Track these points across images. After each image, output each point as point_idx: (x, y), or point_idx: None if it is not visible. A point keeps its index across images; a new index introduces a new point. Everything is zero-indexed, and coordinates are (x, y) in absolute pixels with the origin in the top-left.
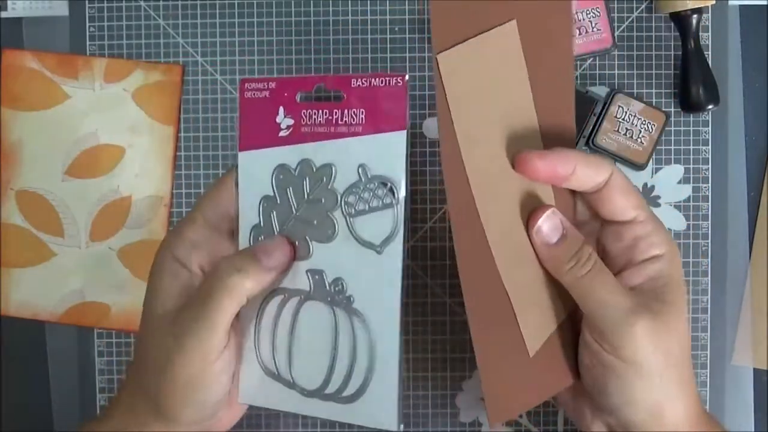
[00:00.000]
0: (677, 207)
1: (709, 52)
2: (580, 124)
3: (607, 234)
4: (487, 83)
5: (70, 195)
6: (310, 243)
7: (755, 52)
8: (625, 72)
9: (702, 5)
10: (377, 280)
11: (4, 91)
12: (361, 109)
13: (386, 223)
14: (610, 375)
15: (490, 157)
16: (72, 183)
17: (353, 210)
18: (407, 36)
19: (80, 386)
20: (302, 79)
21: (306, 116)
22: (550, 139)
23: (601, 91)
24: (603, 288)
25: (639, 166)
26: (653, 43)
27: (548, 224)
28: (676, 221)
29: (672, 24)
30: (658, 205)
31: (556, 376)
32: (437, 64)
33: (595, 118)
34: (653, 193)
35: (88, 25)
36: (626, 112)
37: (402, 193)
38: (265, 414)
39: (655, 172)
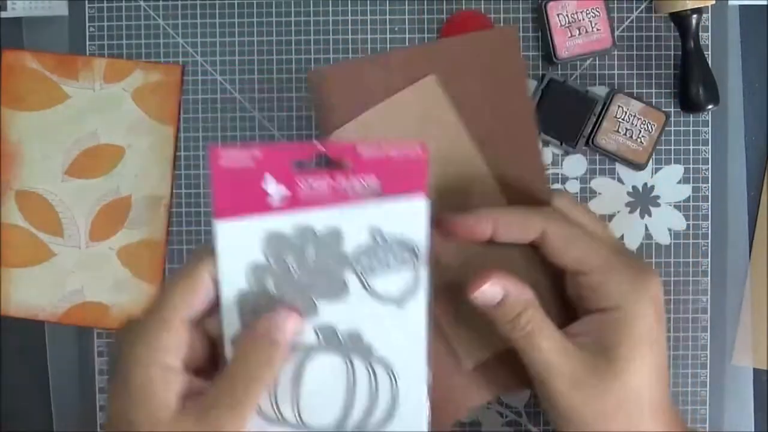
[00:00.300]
0: (677, 207)
1: (709, 52)
2: (580, 124)
3: (566, 280)
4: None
5: (70, 195)
6: (316, 302)
7: (755, 52)
8: (625, 72)
9: (702, 5)
10: (399, 333)
11: (4, 91)
12: (373, 175)
13: (406, 278)
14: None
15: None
16: (72, 183)
17: (368, 270)
18: (407, 36)
19: (80, 386)
20: (295, 146)
21: (304, 185)
22: (514, 185)
23: (601, 91)
24: (541, 350)
25: (639, 166)
26: (653, 43)
27: (487, 292)
28: (676, 221)
29: (672, 24)
30: (658, 205)
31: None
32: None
33: (595, 118)
34: (653, 193)
35: (87, 25)
36: (626, 112)
37: (425, 256)
38: None
39: (655, 172)
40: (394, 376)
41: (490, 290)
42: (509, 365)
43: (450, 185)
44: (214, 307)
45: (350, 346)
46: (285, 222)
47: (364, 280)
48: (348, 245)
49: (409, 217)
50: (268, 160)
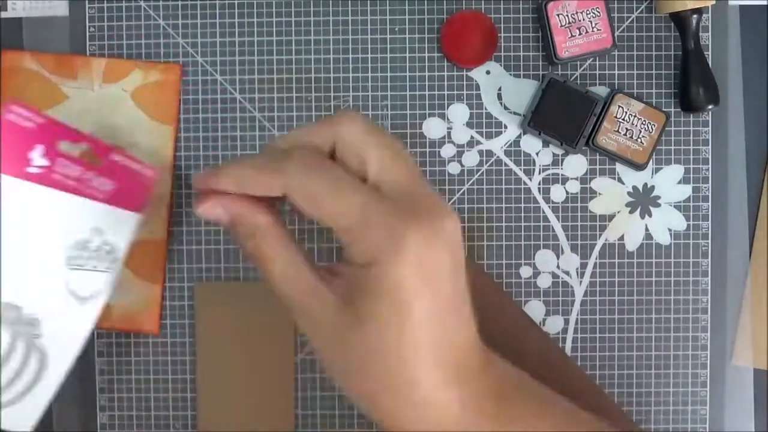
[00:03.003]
0: (677, 207)
1: (709, 52)
2: (581, 124)
3: None
4: None
5: None
6: (14, 278)
7: (755, 52)
8: (625, 72)
9: (702, 5)
10: (70, 329)
11: (3, 92)
12: (112, 181)
13: (101, 281)
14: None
15: None
16: None
17: (76, 264)
18: (407, 36)
19: (80, 386)
20: (71, 130)
21: (61, 165)
22: None
23: (601, 91)
24: (273, 276)
25: (639, 166)
26: (653, 43)
27: (208, 211)
28: (676, 221)
29: (672, 24)
30: (658, 205)
31: None
32: None
33: (595, 118)
34: (653, 193)
35: (88, 25)
36: (626, 112)
37: (120, 265)
38: None
39: (655, 172)
40: (44, 366)
41: (211, 209)
42: None
43: None
44: None
45: (22, 329)
46: (29, 191)
47: (67, 272)
48: (66, 233)
49: (123, 227)
50: (45, 131)
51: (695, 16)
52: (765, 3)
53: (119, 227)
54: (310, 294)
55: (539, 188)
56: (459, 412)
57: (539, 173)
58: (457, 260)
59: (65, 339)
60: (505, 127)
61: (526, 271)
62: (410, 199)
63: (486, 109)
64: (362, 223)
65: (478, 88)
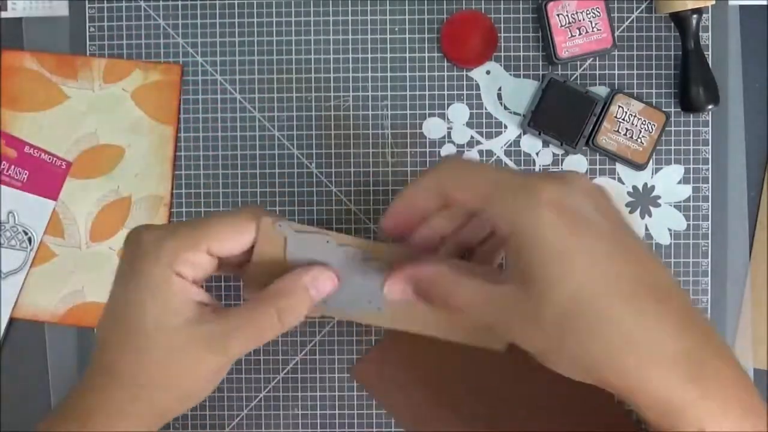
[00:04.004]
0: (677, 207)
1: (709, 52)
2: (581, 124)
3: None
4: None
5: (70, 195)
6: None
7: (755, 52)
8: (625, 72)
9: (702, 5)
10: None
11: (3, 92)
12: (26, 171)
13: (19, 259)
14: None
15: None
16: (72, 183)
17: None
18: (407, 36)
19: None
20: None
21: None
22: None
23: (601, 91)
24: (465, 301)
25: (639, 166)
26: (653, 43)
27: (395, 292)
28: (676, 221)
29: (672, 24)
30: (658, 205)
31: None
32: None
33: (595, 118)
34: (653, 193)
35: (88, 25)
36: (626, 112)
37: (36, 245)
38: (264, 414)
39: (655, 172)
40: None
41: (396, 289)
42: None
43: None
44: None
45: None
46: None
47: None
48: None
49: (37, 212)
50: None
51: (695, 16)
52: (765, 3)
53: (36, 212)
54: (480, 298)
55: None
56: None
57: None
58: (601, 205)
59: None
60: (505, 127)
61: None
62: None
63: (486, 109)
64: (490, 200)
65: (478, 88)
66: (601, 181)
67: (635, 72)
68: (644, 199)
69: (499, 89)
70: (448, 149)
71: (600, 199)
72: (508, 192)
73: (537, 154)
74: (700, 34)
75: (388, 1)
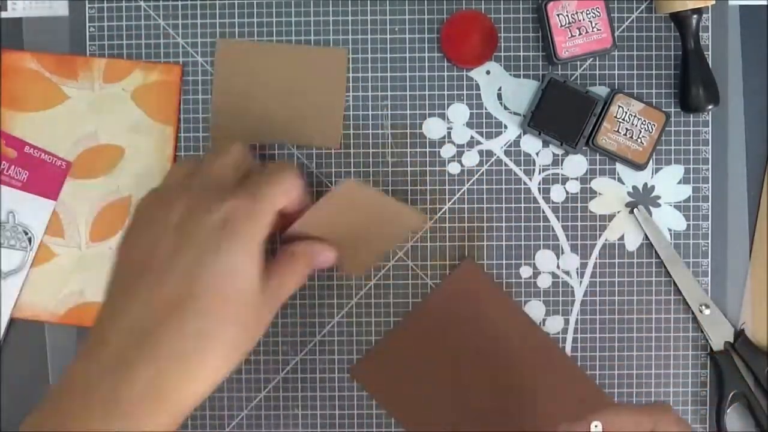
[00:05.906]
0: (677, 207)
1: (709, 52)
2: (581, 124)
3: None
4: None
5: (70, 195)
6: None
7: (755, 52)
8: (625, 72)
9: (702, 5)
10: None
11: (3, 92)
12: (26, 171)
13: (18, 259)
14: None
15: None
16: (72, 183)
17: None
18: (407, 36)
19: None
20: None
21: None
22: None
23: (601, 91)
24: None
25: (639, 166)
26: (653, 43)
27: None
28: (676, 221)
29: (672, 24)
30: (658, 205)
31: None
32: None
33: (595, 118)
34: (653, 193)
35: (88, 25)
36: (626, 112)
37: (36, 245)
38: (264, 414)
39: (655, 172)
40: None
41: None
42: None
43: None
44: None
45: None
46: None
47: None
48: None
49: (37, 212)
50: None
51: (695, 16)
52: (765, 3)
53: (36, 212)
54: None
55: (539, 188)
56: None
57: (539, 173)
58: None
59: None
60: (505, 127)
61: (526, 271)
62: None
63: (486, 109)
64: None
65: (478, 88)
66: (601, 181)
67: (635, 72)
68: (644, 199)
69: (499, 89)
70: (448, 149)
71: None
72: None
73: (537, 154)
74: (700, 34)
75: (388, 1)
